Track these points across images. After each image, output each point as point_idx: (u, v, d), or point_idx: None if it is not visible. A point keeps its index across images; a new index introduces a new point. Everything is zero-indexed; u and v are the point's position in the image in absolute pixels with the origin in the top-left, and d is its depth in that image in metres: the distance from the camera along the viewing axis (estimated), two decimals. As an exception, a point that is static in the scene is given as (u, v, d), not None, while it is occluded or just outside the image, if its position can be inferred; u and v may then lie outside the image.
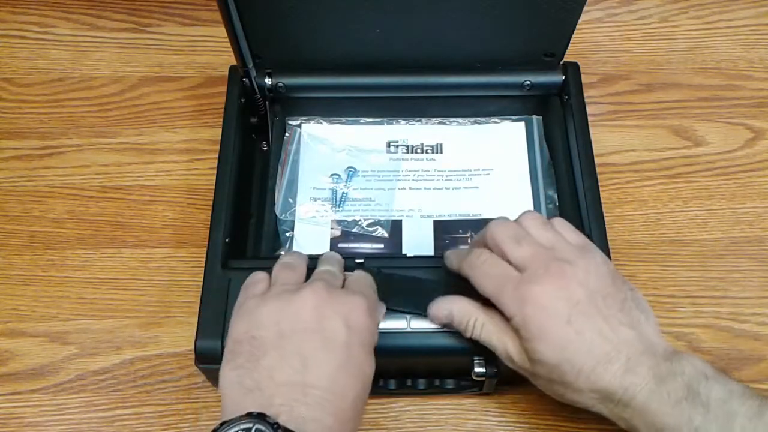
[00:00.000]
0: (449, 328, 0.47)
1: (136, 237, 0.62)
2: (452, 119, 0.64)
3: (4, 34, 0.73)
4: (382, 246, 0.58)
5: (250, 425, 0.36)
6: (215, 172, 0.55)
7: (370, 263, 0.51)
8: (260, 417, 0.36)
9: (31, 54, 0.72)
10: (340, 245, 0.58)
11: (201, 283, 0.50)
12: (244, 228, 0.57)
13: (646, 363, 0.40)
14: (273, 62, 0.59)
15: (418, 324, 0.48)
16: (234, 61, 0.56)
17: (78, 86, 0.70)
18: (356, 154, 0.62)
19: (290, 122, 0.63)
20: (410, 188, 0.61)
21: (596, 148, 0.57)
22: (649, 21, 0.74)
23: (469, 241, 0.58)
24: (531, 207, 0.59)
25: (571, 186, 0.56)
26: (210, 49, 0.72)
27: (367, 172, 0.61)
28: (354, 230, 0.58)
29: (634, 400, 0.40)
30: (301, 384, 0.39)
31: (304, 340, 0.40)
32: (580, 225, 0.54)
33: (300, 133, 0.63)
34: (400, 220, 0.59)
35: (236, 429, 0.36)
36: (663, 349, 0.42)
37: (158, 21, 0.74)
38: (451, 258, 0.49)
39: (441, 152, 0.62)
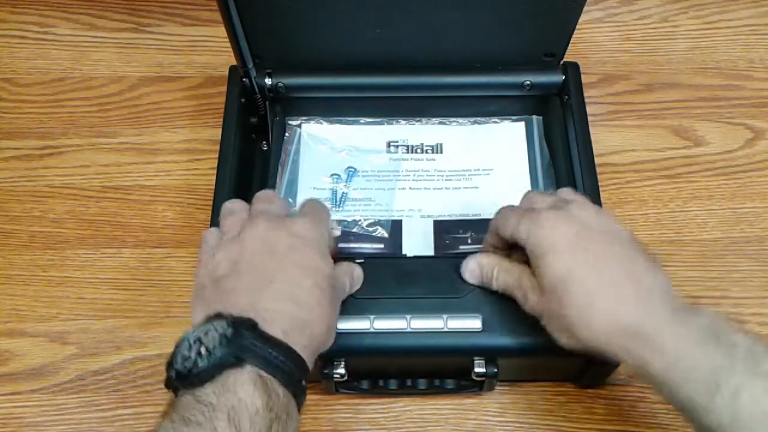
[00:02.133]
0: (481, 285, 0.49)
1: (136, 237, 0.62)
2: (452, 119, 0.64)
3: (4, 34, 0.73)
4: (382, 246, 0.58)
5: (208, 326, 0.37)
6: (215, 172, 0.55)
7: (370, 263, 0.51)
8: (216, 316, 0.37)
9: (31, 54, 0.72)
10: (340, 245, 0.58)
11: (201, 283, 0.50)
12: (244, 228, 0.57)
13: (661, 298, 0.39)
14: (273, 62, 0.59)
15: (418, 324, 0.48)
16: (234, 61, 0.56)
17: (78, 86, 0.70)
18: (356, 154, 0.62)
19: (290, 122, 0.63)
20: (410, 188, 0.61)
21: (596, 148, 0.57)
22: (649, 21, 0.74)
23: (469, 241, 0.58)
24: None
25: (571, 186, 0.56)
26: (210, 49, 0.72)
27: (367, 172, 0.61)
28: (354, 230, 0.58)
29: (648, 331, 0.37)
30: (258, 287, 0.40)
31: (257, 260, 0.42)
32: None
33: (300, 133, 0.63)
34: (400, 220, 0.59)
35: (195, 334, 0.37)
36: (679, 298, 0.40)
37: (158, 21, 0.74)
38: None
39: (441, 152, 0.62)
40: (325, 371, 0.49)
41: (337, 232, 0.58)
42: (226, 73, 0.60)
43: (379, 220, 0.59)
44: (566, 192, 0.49)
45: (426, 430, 0.54)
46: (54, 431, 0.54)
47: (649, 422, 0.54)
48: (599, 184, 0.55)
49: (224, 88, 0.59)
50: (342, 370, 0.49)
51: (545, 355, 0.49)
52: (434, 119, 0.64)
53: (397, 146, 0.63)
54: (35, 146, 0.66)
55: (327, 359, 0.49)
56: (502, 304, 0.48)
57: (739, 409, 0.34)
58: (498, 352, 0.49)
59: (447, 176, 0.61)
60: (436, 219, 0.59)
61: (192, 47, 0.72)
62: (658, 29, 0.74)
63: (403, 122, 0.64)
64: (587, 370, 0.51)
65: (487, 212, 0.59)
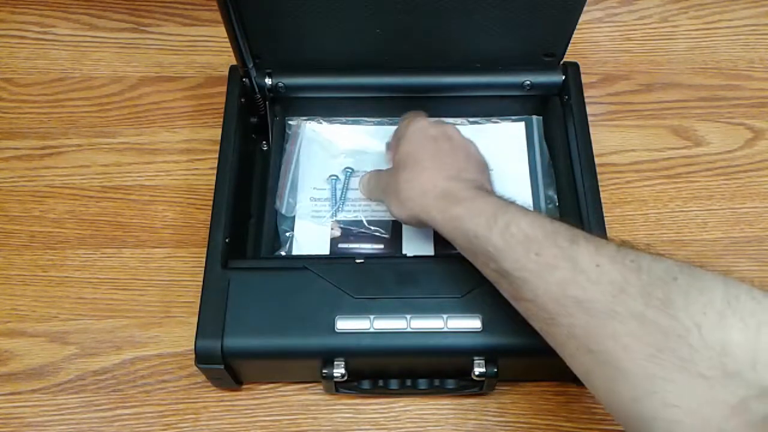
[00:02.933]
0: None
1: (136, 237, 0.62)
2: (452, 119, 0.63)
3: (4, 34, 0.73)
4: (382, 246, 0.58)
5: None
6: (215, 172, 0.55)
7: (370, 263, 0.51)
8: None
9: (31, 54, 0.72)
10: (340, 245, 0.58)
11: (201, 283, 0.50)
12: (244, 228, 0.57)
13: (473, 182, 0.49)
14: (273, 62, 0.59)
15: (418, 324, 0.48)
16: (234, 61, 0.56)
17: (78, 86, 0.70)
18: (356, 154, 0.62)
19: (290, 122, 0.63)
20: None
21: (596, 148, 0.57)
22: (649, 21, 0.74)
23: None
24: (530, 207, 0.59)
25: (571, 186, 0.56)
26: (210, 49, 0.72)
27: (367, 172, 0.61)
28: (354, 230, 0.58)
29: (457, 193, 0.47)
30: None
31: None
32: (580, 225, 0.54)
33: (300, 133, 0.63)
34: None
35: None
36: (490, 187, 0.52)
37: (158, 21, 0.74)
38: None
39: None
40: (325, 371, 0.49)
41: (337, 232, 0.58)
42: (226, 73, 0.60)
43: (379, 220, 0.59)
44: None
45: (426, 430, 0.54)
46: (54, 431, 0.54)
47: (649, 422, 0.54)
48: (599, 184, 0.55)
49: (224, 88, 0.59)
50: (342, 370, 0.49)
51: (545, 355, 0.49)
52: (434, 119, 0.64)
53: None
54: (35, 146, 0.66)
55: (327, 359, 0.49)
56: (502, 304, 0.48)
57: (508, 236, 0.42)
58: (498, 352, 0.49)
59: None
60: None
61: (192, 47, 0.72)
62: (658, 29, 0.74)
63: None
64: (587, 370, 0.51)
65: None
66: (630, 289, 0.37)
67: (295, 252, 0.57)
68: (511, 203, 0.46)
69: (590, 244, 0.40)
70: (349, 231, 0.58)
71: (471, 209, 0.45)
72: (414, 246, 0.57)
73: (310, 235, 0.58)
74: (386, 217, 0.59)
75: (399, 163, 0.52)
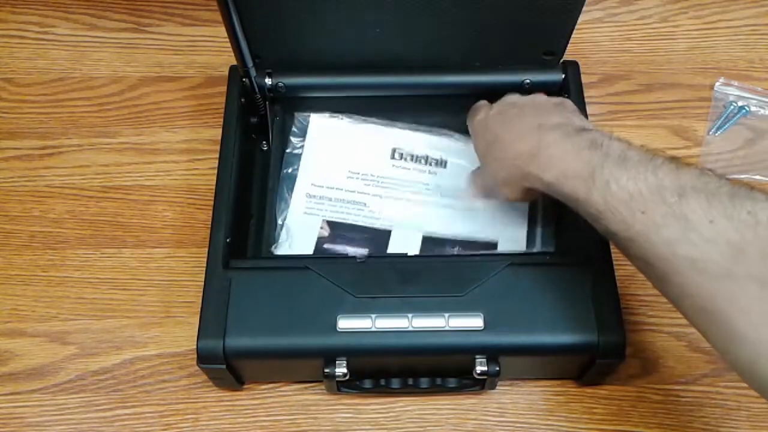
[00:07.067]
0: None
1: (136, 237, 0.61)
2: (458, 135, 0.63)
3: (4, 34, 0.73)
4: (367, 249, 0.57)
5: None
6: (215, 172, 0.55)
7: (371, 262, 0.51)
8: None
9: (31, 54, 0.72)
10: (326, 245, 0.58)
11: (201, 283, 0.50)
12: (244, 228, 0.57)
13: (556, 130, 0.47)
14: (273, 62, 0.59)
15: (420, 323, 0.48)
16: (234, 61, 0.56)
17: (78, 86, 0.70)
18: (359, 156, 0.62)
19: (299, 116, 0.63)
20: (406, 199, 0.60)
21: (596, 148, 0.57)
22: (649, 21, 0.74)
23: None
24: (524, 237, 0.59)
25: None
26: (210, 49, 0.72)
27: (367, 175, 0.61)
28: (342, 233, 0.58)
29: (541, 152, 0.46)
30: None
31: None
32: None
33: (307, 126, 0.62)
34: (389, 231, 0.58)
35: None
36: (581, 129, 0.47)
37: (158, 21, 0.74)
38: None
39: (444, 167, 0.62)
40: (327, 371, 0.49)
41: (325, 233, 0.58)
42: (226, 73, 0.60)
43: (369, 227, 0.58)
44: None
45: (426, 430, 0.54)
46: (54, 431, 0.54)
47: (649, 422, 0.54)
48: (600, 183, 0.55)
49: (224, 88, 0.59)
50: (344, 370, 0.49)
51: (547, 353, 0.49)
52: (442, 129, 0.63)
53: (402, 154, 0.62)
54: (35, 146, 0.66)
55: (329, 359, 0.49)
56: (503, 303, 0.49)
57: (609, 196, 0.41)
58: (500, 351, 0.49)
59: (443, 192, 0.60)
60: (425, 234, 0.58)
61: (192, 47, 0.72)
62: (658, 29, 0.74)
63: (410, 131, 0.63)
64: (589, 368, 0.51)
65: (482, 235, 0.58)
66: (749, 249, 0.35)
67: (281, 248, 0.57)
68: (608, 153, 0.43)
69: (700, 195, 0.37)
70: (337, 233, 0.58)
71: (565, 172, 0.44)
72: (400, 248, 0.57)
73: (299, 230, 0.58)
74: (377, 225, 0.59)
75: (482, 155, 0.53)
